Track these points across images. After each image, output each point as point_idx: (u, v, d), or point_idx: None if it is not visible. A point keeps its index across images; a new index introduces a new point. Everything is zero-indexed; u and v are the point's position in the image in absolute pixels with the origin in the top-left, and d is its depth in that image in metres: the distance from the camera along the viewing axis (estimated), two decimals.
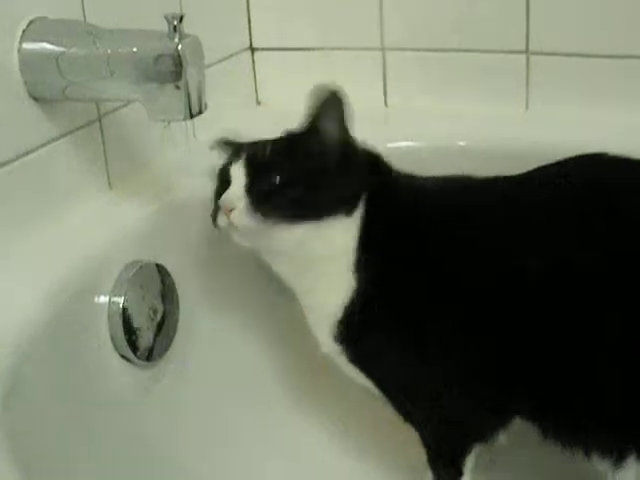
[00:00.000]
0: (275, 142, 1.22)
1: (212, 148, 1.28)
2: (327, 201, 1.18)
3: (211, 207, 1.20)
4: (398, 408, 1.26)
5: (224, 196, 1.17)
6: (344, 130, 1.20)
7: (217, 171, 1.23)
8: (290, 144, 1.22)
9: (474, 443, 1.25)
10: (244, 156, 1.20)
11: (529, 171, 1.22)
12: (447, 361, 1.20)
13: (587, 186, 1.18)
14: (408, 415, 1.26)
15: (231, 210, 1.16)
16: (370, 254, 1.20)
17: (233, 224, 1.16)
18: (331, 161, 1.19)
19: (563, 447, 1.20)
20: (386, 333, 1.21)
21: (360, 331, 1.21)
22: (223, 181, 1.21)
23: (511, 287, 1.15)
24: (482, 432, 1.24)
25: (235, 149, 1.24)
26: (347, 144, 1.20)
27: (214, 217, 1.19)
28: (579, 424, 1.18)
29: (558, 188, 1.19)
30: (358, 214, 1.20)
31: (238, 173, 1.19)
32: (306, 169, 1.18)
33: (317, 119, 1.19)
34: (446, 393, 1.22)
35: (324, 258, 1.21)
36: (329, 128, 1.19)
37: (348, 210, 1.19)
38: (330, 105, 1.19)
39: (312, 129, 1.20)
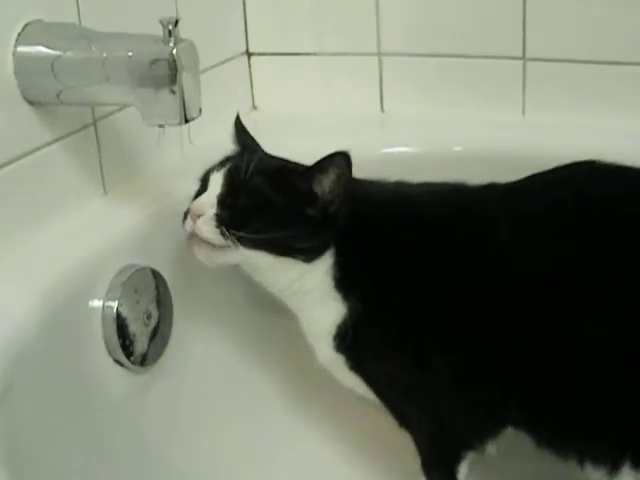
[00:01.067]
0: (262, 162, 1.22)
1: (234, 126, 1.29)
2: (290, 244, 1.18)
3: (186, 206, 1.20)
4: (394, 413, 1.27)
5: (196, 201, 1.19)
6: (336, 192, 1.18)
7: (202, 173, 1.23)
8: (279, 172, 1.21)
9: (467, 450, 1.25)
10: (227, 167, 1.20)
11: (521, 179, 1.22)
12: (442, 369, 1.20)
13: (579, 194, 1.18)
14: (403, 420, 1.27)
15: (199, 216, 1.16)
16: (354, 284, 1.21)
17: (196, 231, 1.17)
18: (310, 214, 1.18)
19: (557, 456, 1.20)
20: (382, 344, 1.22)
21: (356, 343, 1.22)
22: (202, 185, 1.21)
23: (505, 295, 1.16)
24: (475, 440, 1.24)
25: (224, 158, 1.25)
26: (330, 204, 1.19)
27: (184, 218, 1.19)
28: (573, 433, 1.18)
29: (550, 196, 1.19)
30: (328, 257, 1.20)
31: (216, 182, 1.19)
32: (284, 206, 1.18)
33: (318, 170, 1.18)
34: (441, 399, 1.22)
35: (299, 291, 1.22)
36: (324, 183, 1.18)
37: (309, 260, 1.19)
38: (336, 165, 1.17)
39: (309, 175, 1.19)
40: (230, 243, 1.16)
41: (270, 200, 1.18)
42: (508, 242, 1.17)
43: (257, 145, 1.29)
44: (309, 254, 1.19)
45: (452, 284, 1.18)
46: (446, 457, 1.26)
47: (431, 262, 1.19)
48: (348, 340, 1.21)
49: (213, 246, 1.18)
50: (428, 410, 1.23)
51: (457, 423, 1.23)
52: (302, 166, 1.23)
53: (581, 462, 1.18)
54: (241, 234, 1.15)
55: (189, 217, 1.18)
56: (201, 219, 1.16)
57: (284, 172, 1.21)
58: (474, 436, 1.24)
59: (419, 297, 1.19)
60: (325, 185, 1.18)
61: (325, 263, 1.20)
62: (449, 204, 1.23)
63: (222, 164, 1.23)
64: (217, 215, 1.17)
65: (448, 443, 1.25)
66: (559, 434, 1.19)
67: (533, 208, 1.19)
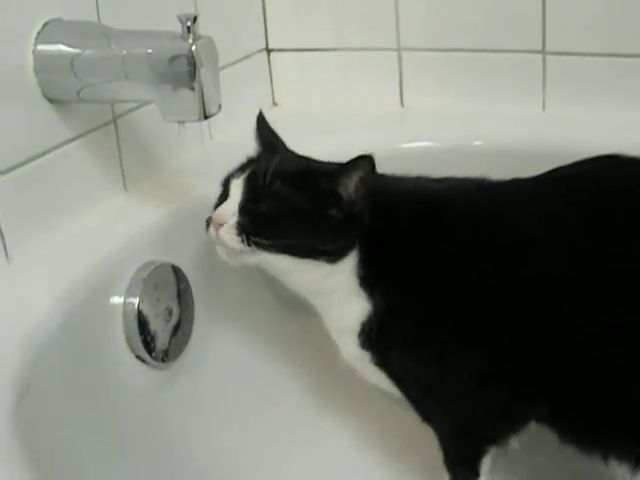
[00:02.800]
0: (282, 164, 1.20)
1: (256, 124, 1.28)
2: (314, 247, 1.17)
3: (210, 213, 1.20)
4: (417, 409, 1.26)
5: (217, 210, 1.18)
6: (360, 193, 1.17)
7: (223, 178, 1.23)
8: (300, 174, 1.20)
9: (490, 445, 1.24)
10: (247, 173, 1.20)
11: (545, 173, 1.22)
12: (465, 364, 1.19)
13: (603, 188, 1.17)
14: (427, 415, 1.26)
15: (221, 225, 1.16)
16: (379, 281, 1.20)
17: (219, 239, 1.17)
18: (334, 215, 1.17)
19: (580, 451, 1.19)
20: (405, 340, 1.21)
21: (381, 339, 1.21)
22: (224, 191, 1.21)
23: (530, 291, 1.15)
24: (498, 435, 1.23)
25: (245, 161, 1.24)
26: (355, 205, 1.18)
27: (208, 224, 1.19)
28: (597, 428, 1.18)
29: (574, 190, 1.18)
30: (353, 256, 1.19)
31: (236, 190, 1.19)
32: (307, 209, 1.17)
33: (342, 174, 1.17)
34: (463, 395, 1.21)
35: (324, 291, 1.21)
36: (349, 186, 1.17)
37: (333, 261, 1.18)
38: (360, 168, 1.16)
39: (333, 178, 1.18)
40: (253, 250, 1.16)
41: (292, 204, 1.17)
42: (530, 238, 1.16)
43: (280, 142, 1.28)
44: (333, 255, 1.18)
45: (474, 281, 1.17)
46: (469, 452, 1.25)
47: (453, 258, 1.18)
48: (373, 337, 1.21)
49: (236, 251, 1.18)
50: (450, 406, 1.23)
51: (479, 419, 1.22)
52: (324, 164, 1.22)
53: (605, 458, 1.18)
54: (263, 241, 1.15)
55: (212, 225, 1.18)
56: (223, 228, 1.16)
57: (305, 173, 1.20)
58: (497, 431, 1.23)
59: (441, 294, 1.18)
60: (350, 188, 1.17)
61: (350, 262, 1.19)
62: (472, 200, 1.22)
63: (242, 169, 1.21)
64: (238, 223, 1.16)
65: (471, 438, 1.25)
66: (583, 430, 1.19)
67: (555, 203, 1.18)
